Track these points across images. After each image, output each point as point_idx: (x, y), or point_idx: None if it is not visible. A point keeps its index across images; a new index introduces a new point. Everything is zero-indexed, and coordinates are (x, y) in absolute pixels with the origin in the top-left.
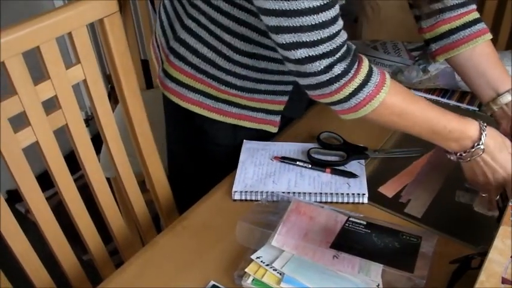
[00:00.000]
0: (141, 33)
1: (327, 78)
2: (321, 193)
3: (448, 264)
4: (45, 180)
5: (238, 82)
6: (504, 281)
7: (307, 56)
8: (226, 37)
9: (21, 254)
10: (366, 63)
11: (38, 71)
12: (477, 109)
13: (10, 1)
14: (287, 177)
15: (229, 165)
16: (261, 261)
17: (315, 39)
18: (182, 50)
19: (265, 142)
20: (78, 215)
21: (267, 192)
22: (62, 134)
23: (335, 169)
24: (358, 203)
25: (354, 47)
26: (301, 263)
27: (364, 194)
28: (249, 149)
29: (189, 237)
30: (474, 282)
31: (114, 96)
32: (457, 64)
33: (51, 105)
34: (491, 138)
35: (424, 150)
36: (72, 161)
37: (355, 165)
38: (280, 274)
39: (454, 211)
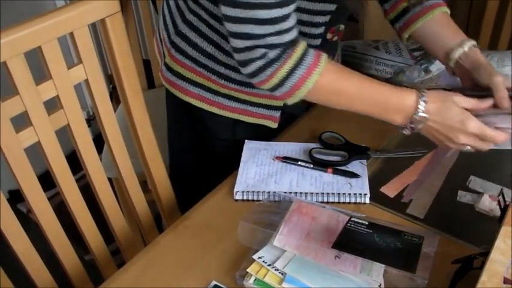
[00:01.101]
0: (143, 33)
1: (262, 63)
2: (322, 193)
3: (450, 264)
4: (46, 180)
5: (238, 76)
6: (506, 281)
7: (253, 45)
8: (225, 31)
9: (22, 254)
10: (300, 46)
11: (39, 71)
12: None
13: (11, 1)
14: (289, 177)
15: (230, 160)
16: (263, 261)
17: (265, 32)
18: (183, 44)
19: (267, 142)
20: (79, 215)
21: (268, 192)
22: (64, 134)
23: (337, 169)
24: (360, 203)
25: (296, 37)
26: (303, 263)
27: (366, 194)
28: (251, 149)
29: (191, 237)
30: (476, 282)
31: (115, 96)
32: (419, 36)
33: (52, 105)
34: (433, 102)
35: (425, 151)
36: (74, 161)
37: (357, 165)
38: (282, 274)
39: (455, 211)
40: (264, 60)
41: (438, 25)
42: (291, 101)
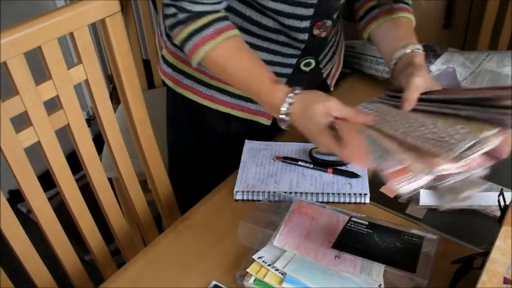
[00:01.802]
0: (143, 34)
1: (173, 22)
2: (322, 193)
3: (450, 265)
4: (47, 180)
5: None
6: (506, 281)
7: (169, 3)
8: None
9: (22, 254)
10: (206, 18)
11: (39, 71)
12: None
13: (11, 1)
14: (289, 177)
15: (226, 155)
16: (263, 261)
17: None
18: None
19: (267, 142)
20: (79, 215)
21: (268, 192)
22: (64, 134)
23: (337, 169)
24: (360, 203)
25: (209, 12)
26: (303, 263)
27: (366, 194)
28: (251, 149)
29: (191, 237)
30: (476, 282)
31: (115, 96)
32: (374, 36)
33: (52, 105)
34: (298, 104)
35: None
36: (74, 161)
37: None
38: (282, 274)
39: (455, 211)
40: (174, 19)
41: (393, 28)
42: (192, 63)
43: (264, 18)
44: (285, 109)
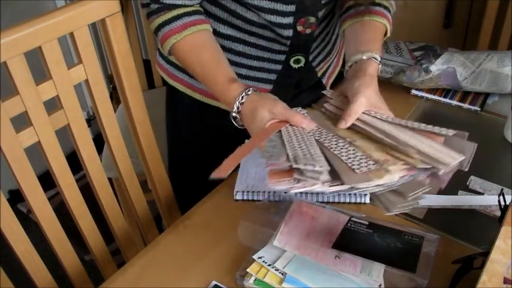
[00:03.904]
0: (143, 33)
1: (147, 11)
2: (323, 193)
3: (450, 265)
4: (47, 180)
5: None
6: (506, 281)
7: None
8: (208, 18)
9: (22, 254)
10: (176, 11)
11: (39, 71)
12: (479, 109)
13: (11, 1)
14: None
15: (223, 150)
16: (263, 261)
17: None
18: None
19: None
20: (79, 215)
21: (269, 192)
22: (64, 134)
23: None
24: (360, 203)
25: (180, 5)
26: (303, 263)
27: (366, 194)
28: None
29: (191, 237)
30: (476, 282)
31: (115, 96)
32: (346, 34)
33: (53, 105)
34: (248, 104)
35: None
36: (74, 161)
37: None
38: (282, 274)
39: (455, 211)
40: (148, 9)
41: (362, 30)
42: (163, 52)
43: (248, 13)
44: (235, 108)
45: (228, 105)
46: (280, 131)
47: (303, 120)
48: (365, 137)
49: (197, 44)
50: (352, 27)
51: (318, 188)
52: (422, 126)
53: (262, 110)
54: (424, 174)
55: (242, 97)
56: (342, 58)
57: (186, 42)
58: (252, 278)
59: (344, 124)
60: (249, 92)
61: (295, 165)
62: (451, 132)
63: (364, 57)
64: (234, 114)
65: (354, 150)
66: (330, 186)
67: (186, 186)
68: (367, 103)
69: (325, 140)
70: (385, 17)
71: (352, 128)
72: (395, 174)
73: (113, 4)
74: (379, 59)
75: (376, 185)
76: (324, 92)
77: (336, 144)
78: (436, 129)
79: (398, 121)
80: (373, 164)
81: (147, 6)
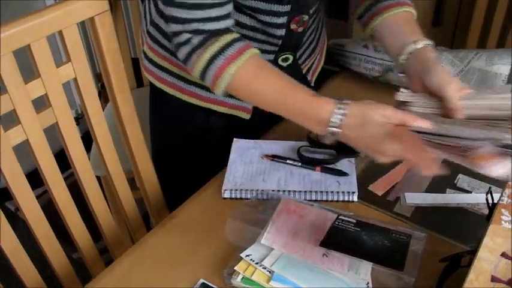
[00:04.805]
0: (132, 32)
1: (188, 50)
2: (310, 191)
3: (438, 263)
4: (35, 178)
5: None
6: (494, 279)
7: (181, 30)
8: None
9: (10, 252)
10: (225, 38)
11: (28, 70)
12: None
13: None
14: (277, 176)
15: (209, 149)
16: (251, 260)
17: (192, 17)
18: (156, 34)
19: (256, 140)
20: (68, 213)
21: (257, 190)
22: (52, 133)
23: (325, 167)
24: (348, 201)
25: (224, 28)
26: (291, 261)
27: (354, 193)
28: (239, 148)
29: (179, 235)
30: (464, 280)
31: (104, 95)
32: (378, 32)
33: (41, 104)
34: (352, 116)
35: None
36: (62, 159)
37: (345, 164)
38: (270, 272)
39: (443, 209)
40: (189, 46)
41: (398, 23)
42: (217, 91)
43: (241, 16)
44: (338, 121)
45: (320, 122)
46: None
47: (418, 118)
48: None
49: (260, 68)
50: (384, 23)
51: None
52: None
53: (374, 115)
54: None
55: (340, 108)
56: (324, 54)
57: (247, 68)
58: (240, 276)
59: (460, 113)
60: (347, 102)
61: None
62: None
63: (419, 46)
64: (333, 128)
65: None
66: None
67: (174, 186)
68: (457, 87)
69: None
70: (411, 6)
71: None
72: None
73: (102, 3)
74: (432, 42)
75: None
76: (399, 96)
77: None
78: None
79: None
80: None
81: (186, 43)
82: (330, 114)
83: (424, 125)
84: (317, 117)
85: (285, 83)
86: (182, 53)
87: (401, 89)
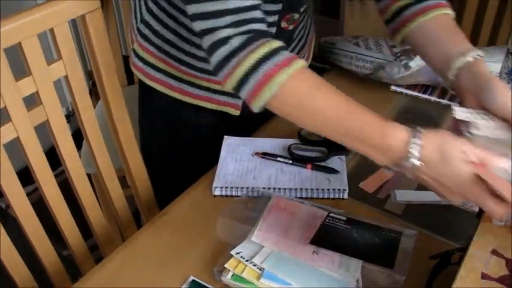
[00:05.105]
0: (123, 30)
1: (226, 52)
2: (301, 189)
3: (428, 260)
4: (25, 175)
5: (198, 64)
6: (484, 276)
7: (210, 27)
8: (184, 19)
9: (1, 250)
10: (273, 43)
11: (19, 67)
12: (458, 105)
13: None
14: (268, 173)
15: (199, 146)
16: (241, 257)
17: (219, 9)
18: (147, 31)
19: (246, 138)
20: (58, 211)
21: (247, 188)
22: (43, 130)
23: (316, 165)
24: (338, 198)
25: (266, 30)
26: (281, 258)
27: (344, 190)
28: (230, 145)
29: (169, 233)
30: (454, 277)
31: (95, 92)
32: (414, 39)
33: (32, 101)
34: (430, 146)
35: None
36: (53, 156)
37: (336, 161)
38: (260, 269)
39: (434, 207)
40: (227, 47)
41: (437, 29)
42: (255, 105)
43: None
44: (416, 153)
45: (388, 153)
46: None
47: (497, 158)
48: None
49: (314, 81)
50: (420, 31)
51: None
52: None
53: (453, 150)
54: None
55: (415, 136)
56: (312, 51)
57: (299, 79)
58: (230, 274)
59: None
60: (422, 131)
61: None
62: None
63: (470, 59)
64: (414, 160)
65: None
66: None
67: (164, 183)
68: None
69: None
70: (448, 6)
71: None
72: None
73: (93, 1)
74: (483, 54)
75: None
76: (455, 114)
77: None
78: None
79: None
80: None
81: (225, 42)
82: (404, 144)
83: (506, 164)
84: (387, 146)
85: (347, 101)
86: (219, 54)
87: (454, 106)
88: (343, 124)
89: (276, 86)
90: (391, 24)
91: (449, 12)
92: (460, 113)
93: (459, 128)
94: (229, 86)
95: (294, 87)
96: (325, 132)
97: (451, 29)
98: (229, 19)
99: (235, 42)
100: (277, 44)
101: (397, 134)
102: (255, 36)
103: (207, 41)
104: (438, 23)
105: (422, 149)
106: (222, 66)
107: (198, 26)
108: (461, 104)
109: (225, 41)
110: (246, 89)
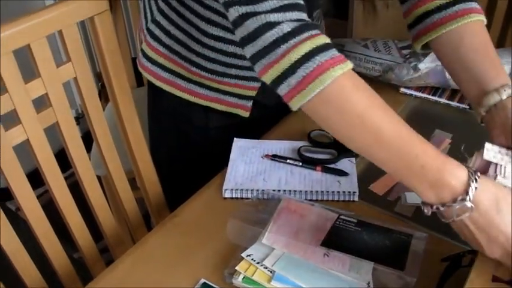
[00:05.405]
0: (132, 31)
1: (274, 37)
2: (311, 191)
3: (439, 263)
4: (35, 178)
5: (208, 65)
6: (495, 279)
7: (253, 11)
8: (195, 20)
9: (11, 252)
10: (325, 37)
11: (28, 69)
12: (468, 107)
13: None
14: (278, 175)
15: (208, 147)
16: (252, 259)
17: None
18: (157, 32)
19: (256, 140)
20: (68, 213)
21: (257, 190)
22: (53, 132)
23: (326, 167)
24: (348, 201)
25: (314, 22)
26: (292, 261)
27: (354, 192)
28: (240, 147)
29: (180, 235)
30: (465, 280)
31: (104, 94)
32: (444, 57)
33: (41, 104)
34: (485, 191)
35: None
36: (63, 159)
37: (346, 163)
38: (271, 272)
39: None
40: (276, 31)
41: (468, 43)
42: (297, 100)
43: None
44: (471, 194)
45: (437, 188)
46: None
47: None
48: None
49: (365, 87)
50: (447, 42)
51: None
52: None
53: (506, 203)
54: None
55: (476, 179)
56: None
57: (352, 78)
58: (241, 276)
59: None
60: (479, 174)
61: None
62: None
63: (504, 97)
64: (467, 202)
65: None
66: None
67: (174, 185)
68: None
69: None
70: (481, 11)
71: None
72: None
73: (102, 2)
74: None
75: None
76: (486, 155)
77: None
78: None
79: None
80: None
81: (271, 27)
82: (463, 185)
83: None
84: (445, 183)
85: (406, 124)
86: (265, 39)
87: (487, 145)
88: (400, 148)
89: (329, 79)
90: (412, 30)
91: (483, 19)
92: (489, 152)
93: (487, 167)
94: (269, 77)
95: (344, 86)
96: (364, 148)
97: (484, 47)
98: (274, 3)
99: (285, 27)
100: (328, 40)
101: (459, 173)
102: (308, 25)
103: (248, 27)
104: (469, 35)
105: (477, 192)
106: (266, 52)
107: (237, 11)
108: (492, 139)
109: (273, 24)
110: (291, 80)
